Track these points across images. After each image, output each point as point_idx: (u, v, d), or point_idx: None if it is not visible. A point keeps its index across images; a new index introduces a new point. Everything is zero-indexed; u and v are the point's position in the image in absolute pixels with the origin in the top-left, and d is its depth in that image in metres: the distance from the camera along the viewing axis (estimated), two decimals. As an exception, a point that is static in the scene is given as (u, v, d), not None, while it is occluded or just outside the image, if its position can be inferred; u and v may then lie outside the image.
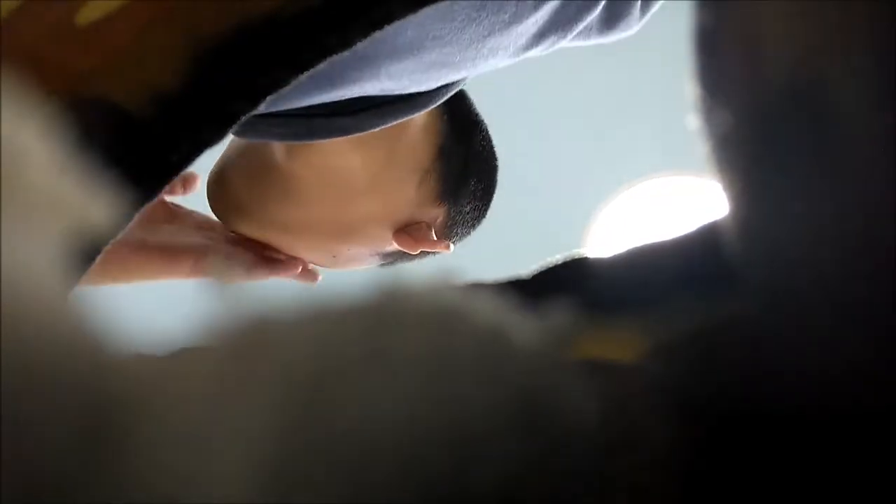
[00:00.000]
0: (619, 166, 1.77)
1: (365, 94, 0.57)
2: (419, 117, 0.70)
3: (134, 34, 0.34)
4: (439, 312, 0.18)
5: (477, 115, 0.82)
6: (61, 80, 0.33)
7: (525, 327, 0.19)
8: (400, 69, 0.54)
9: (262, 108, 0.57)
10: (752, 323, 0.25)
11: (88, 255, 0.31)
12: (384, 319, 0.17)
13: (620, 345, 0.25)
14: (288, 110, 0.58)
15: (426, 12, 0.49)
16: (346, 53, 0.50)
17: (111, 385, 0.14)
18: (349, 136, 0.63)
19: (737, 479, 0.23)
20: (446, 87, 0.62)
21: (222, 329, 0.16)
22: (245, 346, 0.15)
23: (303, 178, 0.74)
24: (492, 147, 0.83)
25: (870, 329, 0.21)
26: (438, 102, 0.63)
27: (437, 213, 0.80)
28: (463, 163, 0.79)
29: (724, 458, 0.23)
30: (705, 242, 0.27)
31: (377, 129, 0.62)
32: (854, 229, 0.21)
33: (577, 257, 0.29)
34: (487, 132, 0.83)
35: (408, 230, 0.78)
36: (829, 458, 0.22)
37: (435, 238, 0.80)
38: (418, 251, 0.80)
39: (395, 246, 0.79)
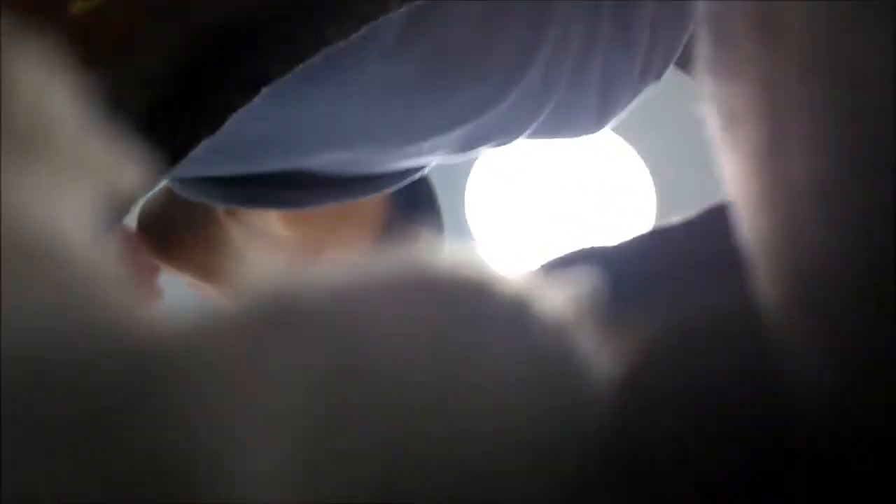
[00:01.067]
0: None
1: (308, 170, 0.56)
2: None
3: (127, 24, 0.34)
4: (467, 281, 0.18)
5: (433, 198, 0.80)
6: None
7: (549, 303, 0.19)
8: (335, 158, 0.53)
9: (202, 171, 0.54)
10: (764, 309, 0.25)
11: (112, 217, 0.30)
12: (417, 286, 0.17)
13: (628, 333, 0.25)
14: (232, 175, 0.56)
15: (355, 102, 0.47)
16: (275, 138, 0.48)
17: (147, 345, 0.13)
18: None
19: (745, 465, 0.23)
20: (402, 173, 0.60)
21: (257, 294, 0.15)
22: (280, 311, 0.15)
23: (238, 236, 0.72)
24: (442, 233, 0.82)
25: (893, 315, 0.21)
26: (391, 188, 0.60)
27: None
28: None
29: (733, 444, 0.23)
30: (715, 228, 0.26)
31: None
32: (878, 206, 0.21)
33: (584, 247, 0.29)
34: (441, 216, 0.82)
35: None
36: (844, 448, 0.22)
37: None
38: None
39: None
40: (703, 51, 0.25)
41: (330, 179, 0.58)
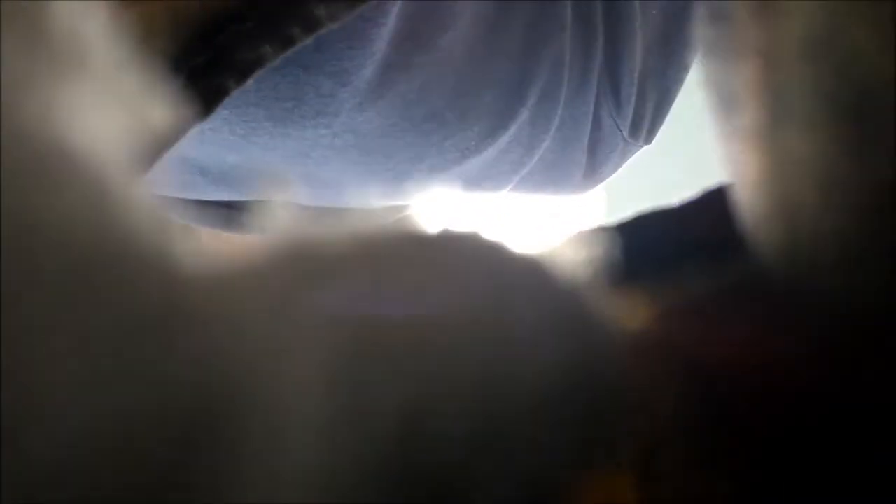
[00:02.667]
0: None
1: None
2: None
3: (115, 11, 0.34)
4: (485, 241, 0.18)
5: None
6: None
7: (566, 266, 0.19)
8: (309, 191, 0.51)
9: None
10: (763, 286, 0.25)
11: (145, 155, 0.30)
12: (439, 242, 0.17)
13: (629, 310, 0.25)
14: (211, 200, 0.54)
15: (323, 152, 0.45)
16: (249, 170, 0.46)
17: (180, 269, 0.13)
18: None
19: (741, 441, 0.23)
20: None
21: (282, 242, 0.15)
22: (312, 249, 0.15)
23: None
24: None
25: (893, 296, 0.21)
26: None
27: None
28: None
29: (732, 420, 0.23)
30: (715, 205, 0.27)
31: None
32: (878, 181, 0.21)
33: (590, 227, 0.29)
34: None
35: None
36: (846, 422, 0.22)
37: None
38: None
39: None
40: (702, 31, 0.25)
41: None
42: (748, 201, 0.24)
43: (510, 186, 0.55)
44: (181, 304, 0.13)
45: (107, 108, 0.13)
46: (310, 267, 0.15)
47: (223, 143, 0.44)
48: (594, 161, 0.56)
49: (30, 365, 0.12)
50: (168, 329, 0.12)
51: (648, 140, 0.59)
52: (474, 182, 0.53)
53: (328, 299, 0.15)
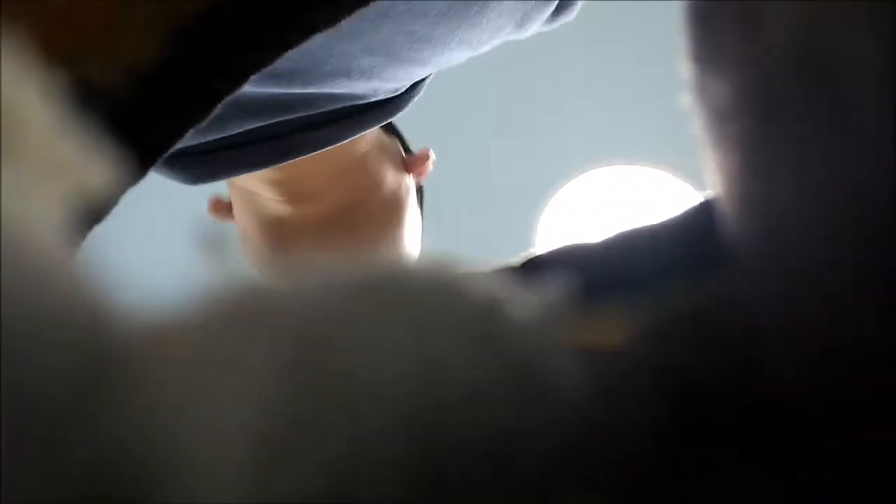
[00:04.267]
0: (570, 154, 1.77)
1: (334, 104, 0.57)
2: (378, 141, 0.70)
3: (111, 11, 0.34)
4: (436, 283, 0.18)
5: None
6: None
7: (518, 304, 0.19)
8: (371, 65, 0.55)
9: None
10: (742, 304, 0.25)
11: (87, 220, 0.30)
12: (383, 288, 0.17)
13: (608, 329, 0.25)
14: (252, 134, 0.58)
15: (400, 8, 0.49)
16: (320, 45, 0.50)
17: (109, 341, 0.13)
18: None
19: (724, 459, 0.23)
20: (415, 85, 0.62)
21: (220, 292, 0.15)
22: (243, 308, 0.15)
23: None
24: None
25: (873, 309, 0.21)
26: (411, 101, 0.63)
27: None
28: None
29: (711, 438, 0.23)
30: (695, 224, 0.26)
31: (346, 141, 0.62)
32: (860, 202, 0.20)
33: (565, 244, 0.29)
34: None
35: None
36: (822, 440, 0.22)
37: None
38: None
39: None
40: (688, 41, 0.25)
41: (357, 108, 0.60)
42: (734, 212, 0.24)
43: (527, 31, 0.60)
44: (109, 373, 0.13)
45: (41, 179, 0.13)
46: (246, 320, 0.15)
47: None
48: None
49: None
50: (92, 399, 0.13)
51: None
52: (501, 26, 0.57)
53: (263, 352, 0.15)
